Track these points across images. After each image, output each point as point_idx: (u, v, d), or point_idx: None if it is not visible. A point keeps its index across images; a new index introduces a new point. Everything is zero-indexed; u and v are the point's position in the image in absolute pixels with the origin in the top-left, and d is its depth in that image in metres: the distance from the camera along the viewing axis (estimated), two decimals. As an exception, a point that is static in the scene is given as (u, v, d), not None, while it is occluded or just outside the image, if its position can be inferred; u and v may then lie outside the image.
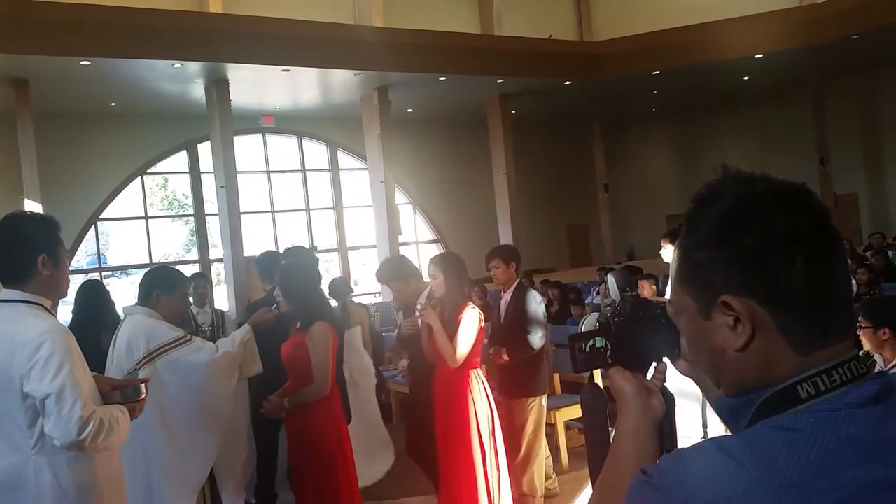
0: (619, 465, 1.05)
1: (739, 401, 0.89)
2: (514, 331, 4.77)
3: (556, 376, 6.37)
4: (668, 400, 1.10)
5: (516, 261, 4.93)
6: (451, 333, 3.94)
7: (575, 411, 5.77)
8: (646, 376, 1.12)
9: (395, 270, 4.54)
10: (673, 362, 1.12)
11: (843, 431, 0.80)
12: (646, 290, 7.22)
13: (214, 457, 3.59)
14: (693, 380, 1.10)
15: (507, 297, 4.91)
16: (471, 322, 3.98)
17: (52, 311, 2.47)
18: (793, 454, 0.79)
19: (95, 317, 4.74)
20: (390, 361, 7.79)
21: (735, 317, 0.86)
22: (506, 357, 4.62)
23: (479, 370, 4.10)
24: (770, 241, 0.85)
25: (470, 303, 4.10)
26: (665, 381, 1.13)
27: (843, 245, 0.91)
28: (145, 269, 15.50)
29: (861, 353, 3.04)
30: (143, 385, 2.56)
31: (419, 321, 4.18)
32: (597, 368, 1.13)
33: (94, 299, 4.96)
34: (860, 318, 3.10)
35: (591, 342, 1.12)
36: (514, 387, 4.77)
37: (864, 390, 0.83)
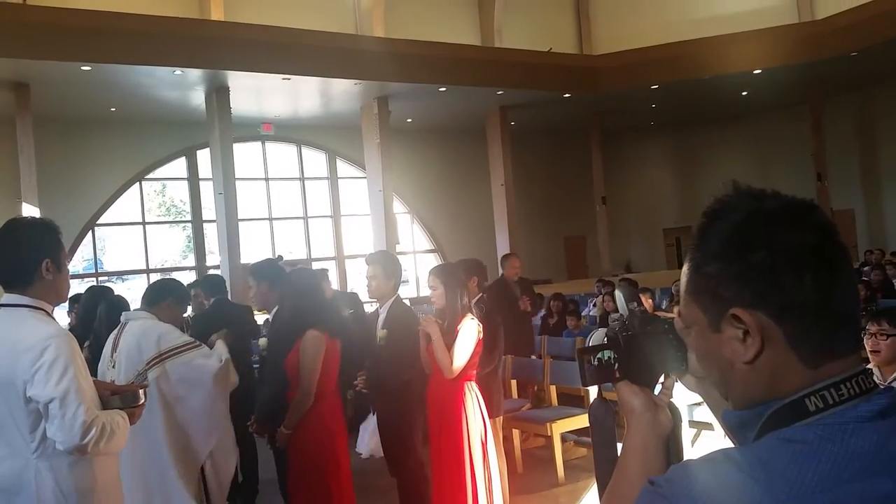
0: (627, 479, 1.05)
1: (748, 414, 0.90)
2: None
3: (553, 388, 6.36)
4: (676, 415, 1.10)
5: (479, 275, 4.80)
6: (449, 344, 3.92)
7: (571, 423, 5.76)
8: (654, 391, 1.12)
9: (386, 262, 4.48)
10: (680, 378, 1.13)
11: (852, 445, 0.81)
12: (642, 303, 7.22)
13: (203, 458, 3.60)
14: (700, 395, 1.11)
15: None
16: (469, 333, 3.96)
17: (53, 316, 2.47)
18: (801, 467, 0.79)
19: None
20: None
21: (744, 330, 0.87)
22: None
23: (473, 382, 4.07)
24: (780, 256, 0.86)
25: (469, 314, 4.08)
26: (673, 396, 1.13)
27: (851, 260, 0.91)
28: (142, 275, 15.31)
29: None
30: (141, 391, 2.57)
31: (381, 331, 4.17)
32: (605, 382, 1.14)
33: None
34: (883, 325, 3.04)
35: (599, 356, 1.12)
36: None
37: (873, 404, 0.84)
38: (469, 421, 3.95)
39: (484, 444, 3.99)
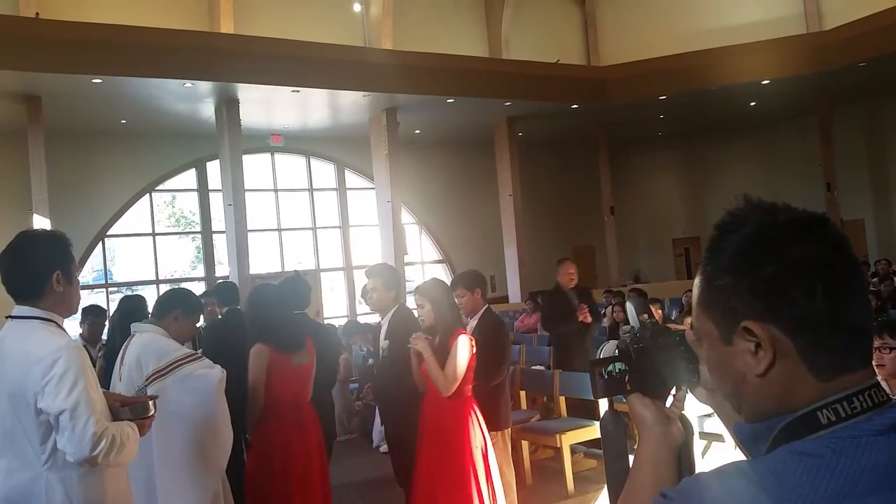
0: (638, 491, 1.05)
1: (760, 426, 0.89)
2: (479, 360, 4.31)
3: (562, 399, 6.34)
4: (687, 427, 1.10)
5: (482, 287, 4.77)
6: (443, 361, 3.85)
7: (580, 435, 5.73)
8: (665, 403, 1.12)
9: (386, 274, 4.47)
10: (691, 390, 1.12)
11: (865, 458, 0.80)
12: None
13: (219, 478, 3.57)
14: (712, 407, 1.11)
15: (472, 324, 4.58)
16: (462, 349, 3.87)
17: (63, 327, 2.48)
18: (814, 480, 0.79)
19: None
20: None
21: (756, 342, 0.87)
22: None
23: (468, 397, 4.02)
24: (791, 269, 0.86)
25: (460, 328, 4.01)
26: (684, 408, 1.13)
27: (864, 273, 0.91)
28: (151, 286, 15.32)
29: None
30: (151, 402, 2.57)
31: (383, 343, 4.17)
32: (616, 395, 1.13)
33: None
34: (885, 338, 3.04)
35: (610, 368, 1.12)
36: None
37: (886, 418, 0.84)
38: (469, 436, 3.91)
39: (485, 457, 3.94)
